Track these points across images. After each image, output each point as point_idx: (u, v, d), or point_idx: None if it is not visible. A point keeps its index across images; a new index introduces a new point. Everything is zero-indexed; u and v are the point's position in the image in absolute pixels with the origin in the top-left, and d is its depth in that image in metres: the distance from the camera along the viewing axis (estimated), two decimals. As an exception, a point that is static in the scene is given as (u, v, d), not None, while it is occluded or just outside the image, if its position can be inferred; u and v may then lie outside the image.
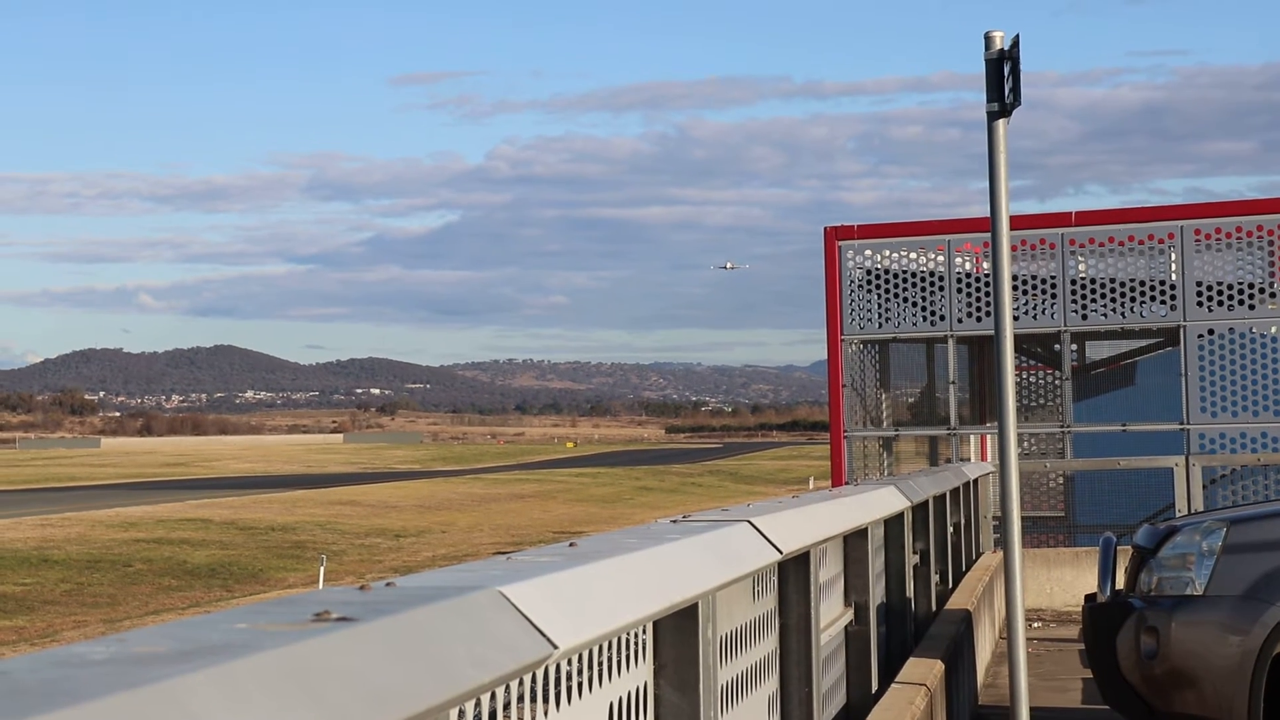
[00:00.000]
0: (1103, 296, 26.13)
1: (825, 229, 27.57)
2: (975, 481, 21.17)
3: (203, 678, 2.06)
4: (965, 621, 13.60)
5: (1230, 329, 25.41)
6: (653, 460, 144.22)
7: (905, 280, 27.05)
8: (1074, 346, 29.41)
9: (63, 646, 2.26)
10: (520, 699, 3.49)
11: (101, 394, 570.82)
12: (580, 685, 3.93)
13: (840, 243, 27.26)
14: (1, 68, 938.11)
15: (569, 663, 3.81)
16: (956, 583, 16.68)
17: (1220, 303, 25.44)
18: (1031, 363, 32.21)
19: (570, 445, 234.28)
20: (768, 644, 6.60)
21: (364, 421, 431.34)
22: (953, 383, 26.91)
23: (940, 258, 26.74)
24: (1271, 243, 25.41)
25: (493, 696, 3.30)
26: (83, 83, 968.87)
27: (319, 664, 2.31)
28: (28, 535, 51.74)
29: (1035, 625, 20.22)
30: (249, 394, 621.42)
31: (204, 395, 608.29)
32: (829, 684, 8.30)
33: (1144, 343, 30.62)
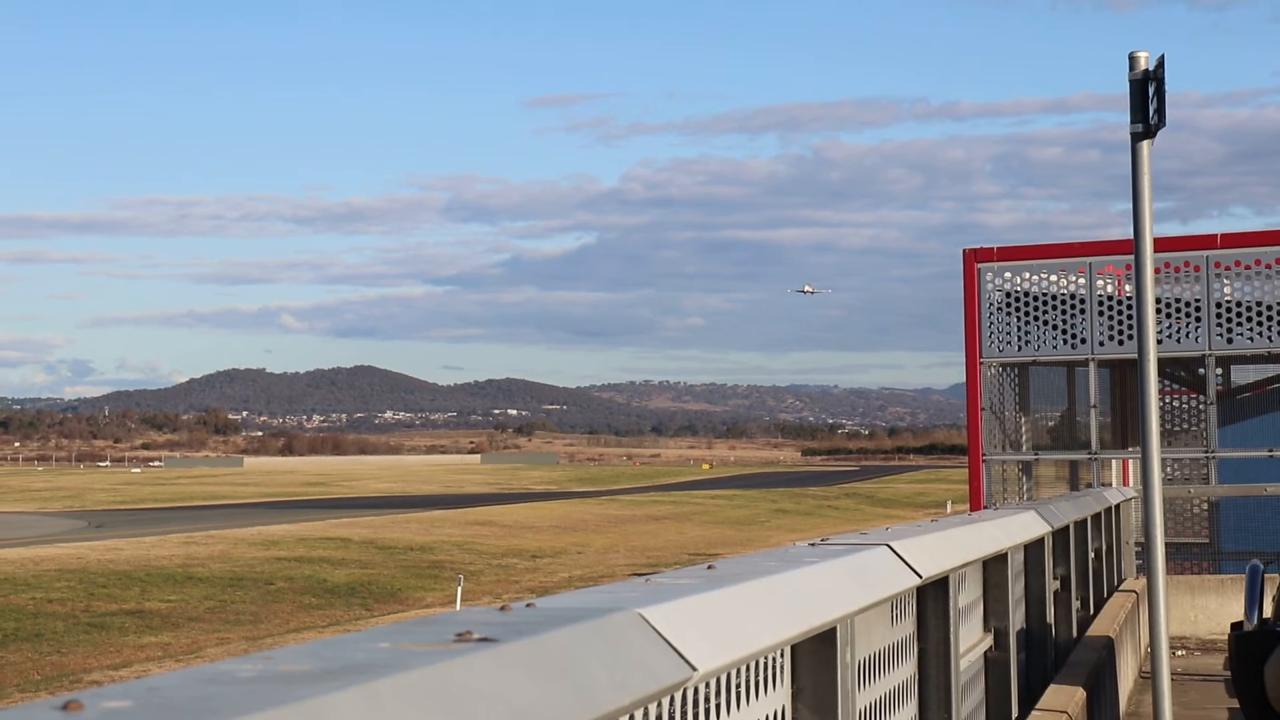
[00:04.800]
0: (1249, 320, 25.67)
1: (964, 251, 27.35)
2: (1117, 507, 20.88)
3: (348, 697, 2.09)
4: (1107, 648, 13.41)
5: (1381, 353, 24.87)
6: (789, 483, 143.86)
7: (1045, 303, 26.75)
8: (1219, 370, 28.91)
9: (211, 664, 2.30)
10: (659, 721, 3.49)
11: (244, 413, 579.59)
12: (718, 708, 3.93)
13: (979, 265, 27.03)
14: (146, 90, 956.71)
15: (707, 685, 3.81)
16: (1098, 609, 16.46)
17: (1371, 326, 24.91)
18: (1175, 387, 31.71)
19: (706, 467, 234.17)
20: (906, 669, 6.55)
21: (501, 442, 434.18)
22: (1094, 406, 26.55)
23: (1081, 280, 26.42)
24: None
25: (631, 718, 3.31)
26: (224, 106, 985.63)
27: (462, 684, 2.33)
28: (173, 553, 52.66)
29: (1179, 654, 19.89)
30: (388, 414, 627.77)
31: (344, 415, 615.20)
32: (968, 710, 8.21)
33: (1291, 366, 30.03)
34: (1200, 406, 29.65)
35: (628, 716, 3.27)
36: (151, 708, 1.93)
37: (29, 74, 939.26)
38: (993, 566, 9.35)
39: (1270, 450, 25.97)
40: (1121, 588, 19.68)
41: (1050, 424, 30.22)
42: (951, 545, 7.20)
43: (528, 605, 3.17)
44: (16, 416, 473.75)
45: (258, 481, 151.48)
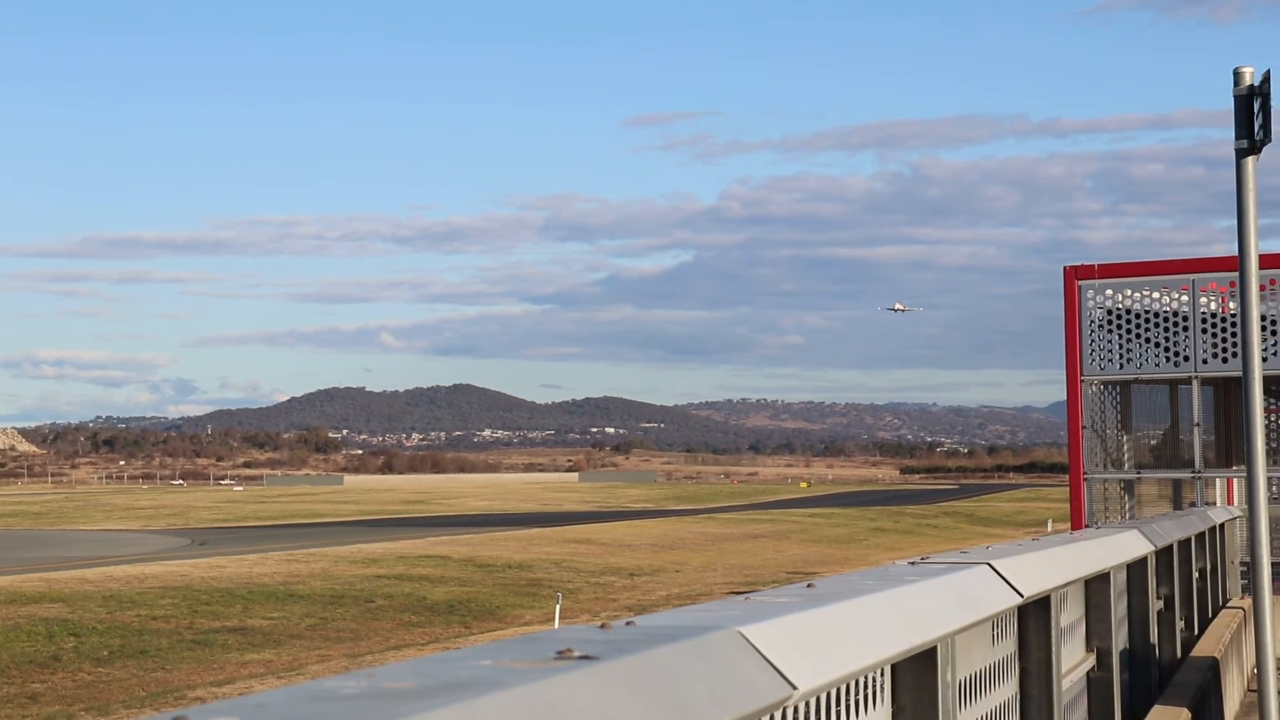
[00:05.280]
0: (1356, 336, 25.28)
1: (1065, 268, 27.14)
2: (1221, 526, 20.63)
3: (450, 713, 2.10)
4: (1212, 669, 13.25)
5: None
6: (887, 501, 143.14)
7: (1147, 320, 26.50)
8: (1325, 387, 28.49)
9: (315, 681, 2.32)
10: (759, 740, 3.49)
11: (345, 432, 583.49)
12: (818, 728, 3.92)
13: (1080, 282, 26.81)
14: (247, 109, 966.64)
15: (807, 704, 3.80)
16: (1202, 629, 16.26)
17: None
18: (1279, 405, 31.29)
19: (804, 485, 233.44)
20: (1007, 689, 6.50)
21: (599, 460, 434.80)
22: (1197, 425, 26.24)
23: (1184, 297, 26.15)
24: None
25: (731, 737, 3.31)
26: (323, 125, 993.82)
27: (563, 702, 2.34)
28: (274, 570, 53.14)
29: (1286, 675, 19.59)
30: (486, 432, 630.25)
31: (443, 433, 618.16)
32: (1070, 731, 8.14)
33: (1400, 383, 29.54)
34: (1306, 424, 29.23)
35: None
36: (258, 723, 1.95)
37: (130, 94, 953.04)
38: (1095, 586, 9.27)
39: (1379, 469, 25.55)
40: (1226, 608, 19.43)
41: (1153, 442, 29.90)
42: (1053, 564, 7.15)
43: (628, 623, 3.18)
44: (122, 435, 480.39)
45: (358, 499, 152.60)
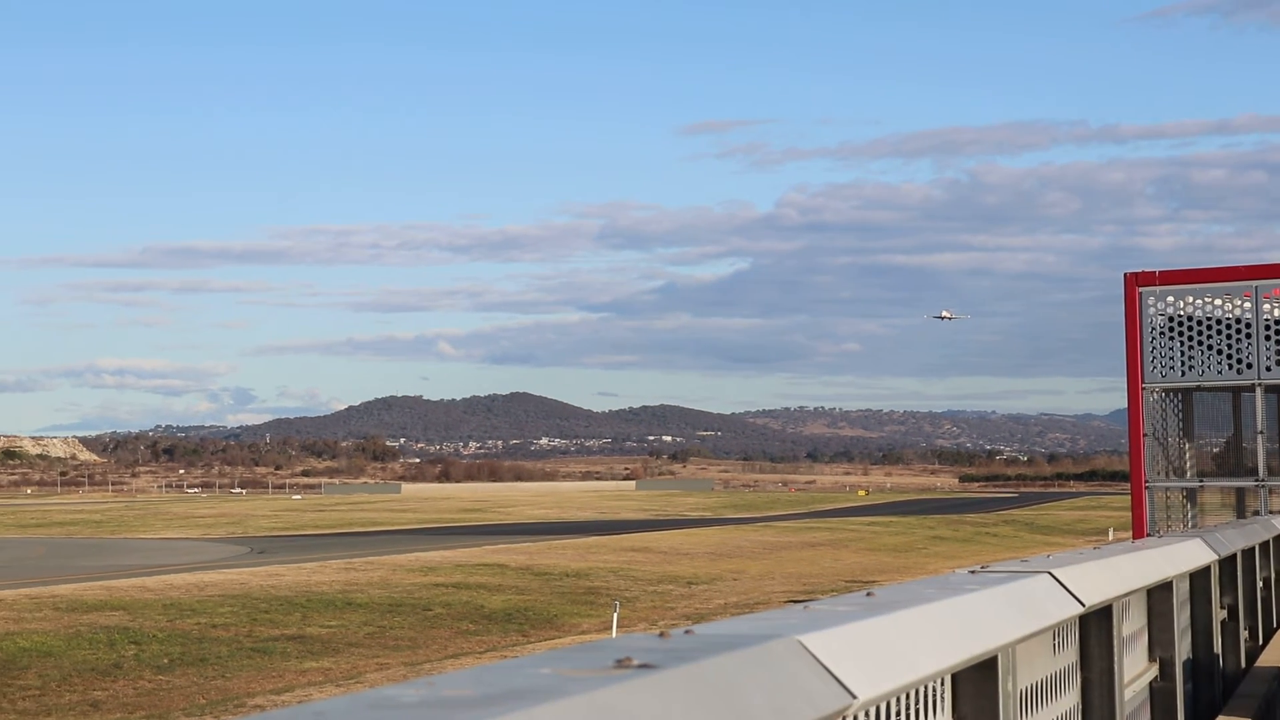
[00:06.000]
0: None
1: (1126, 275, 26.99)
2: (1285, 534, 20.43)
3: (510, 722, 2.10)
4: (1277, 680, 13.12)
5: None
6: (946, 509, 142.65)
7: (1209, 327, 26.31)
8: (1390, 394, 28.22)
9: (375, 689, 2.32)
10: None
11: (402, 440, 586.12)
12: (879, 737, 3.89)
13: (1141, 289, 26.64)
14: (305, 118, 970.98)
15: (866, 714, 3.78)
16: (1267, 639, 16.11)
17: None
18: (1344, 411, 31.01)
19: (862, 494, 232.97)
20: (1069, 699, 6.46)
21: (656, 468, 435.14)
22: (1261, 432, 26.03)
23: (1247, 304, 25.94)
24: None
25: (791, 747, 3.29)
26: (380, 134, 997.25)
27: (623, 710, 2.33)
28: (333, 579, 53.37)
29: (1351, 685, 19.40)
30: (543, 441, 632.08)
31: (500, 442, 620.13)
32: (1133, 742, 8.07)
33: None
34: (1371, 432, 28.97)
35: (788, 744, 3.25)
36: (317, 731, 1.95)
37: (190, 103, 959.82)
38: (1157, 595, 9.19)
39: None
40: (1290, 617, 19.24)
41: (1215, 450, 29.67)
42: (1115, 573, 7.09)
43: (686, 632, 3.16)
44: (181, 444, 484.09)
45: (415, 508, 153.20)
